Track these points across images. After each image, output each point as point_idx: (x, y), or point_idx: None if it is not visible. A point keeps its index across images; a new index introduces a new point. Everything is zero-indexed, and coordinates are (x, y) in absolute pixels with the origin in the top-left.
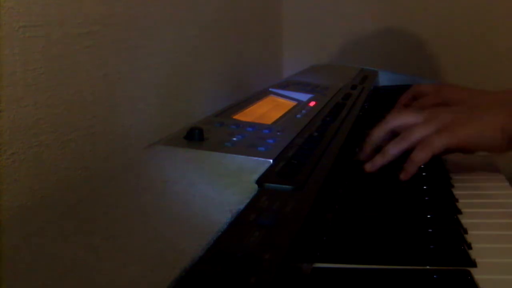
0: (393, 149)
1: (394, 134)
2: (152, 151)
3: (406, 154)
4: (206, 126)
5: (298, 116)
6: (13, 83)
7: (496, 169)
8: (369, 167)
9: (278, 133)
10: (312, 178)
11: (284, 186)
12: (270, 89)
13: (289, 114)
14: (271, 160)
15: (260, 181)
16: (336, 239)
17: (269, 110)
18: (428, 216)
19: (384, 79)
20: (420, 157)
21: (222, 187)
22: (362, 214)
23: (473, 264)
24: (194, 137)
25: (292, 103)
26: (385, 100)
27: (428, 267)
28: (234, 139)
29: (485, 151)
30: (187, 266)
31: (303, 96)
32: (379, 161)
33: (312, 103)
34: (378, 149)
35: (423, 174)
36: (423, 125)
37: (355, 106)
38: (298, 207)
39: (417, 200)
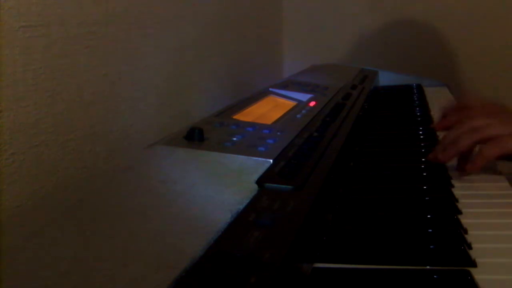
0: (466, 140)
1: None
2: (152, 151)
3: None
4: (206, 126)
5: (298, 116)
6: (13, 83)
7: (496, 169)
8: (440, 157)
9: (278, 133)
10: (312, 178)
11: (284, 186)
12: (270, 89)
13: (289, 114)
14: (271, 160)
15: (260, 181)
16: (336, 239)
17: (269, 110)
18: (428, 216)
19: (384, 79)
20: (491, 152)
21: (222, 187)
22: (362, 214)
23: (473, 264)
24: (194, 137)
25: (292, 103)
26: (385, 100)
27: (428, 267)
28: (234, 139)
29: None
30: (187, 266)
31: (303, 96)
32: (452, 151)
33: (312, 103)
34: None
35: (424, 174)
36: (500, 125)
37: (355, 106)
38: (298, 207)
39: (417, 200)
